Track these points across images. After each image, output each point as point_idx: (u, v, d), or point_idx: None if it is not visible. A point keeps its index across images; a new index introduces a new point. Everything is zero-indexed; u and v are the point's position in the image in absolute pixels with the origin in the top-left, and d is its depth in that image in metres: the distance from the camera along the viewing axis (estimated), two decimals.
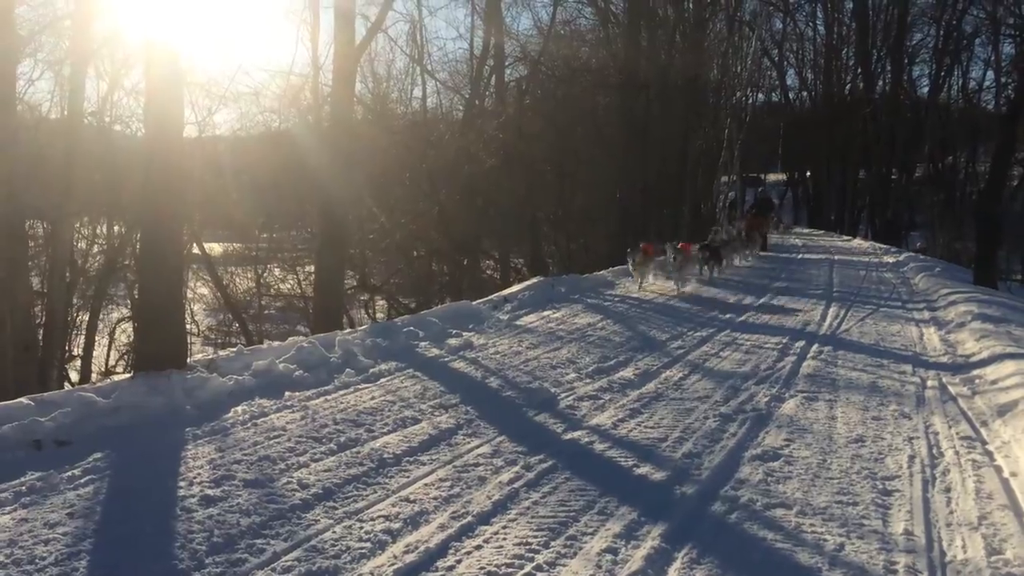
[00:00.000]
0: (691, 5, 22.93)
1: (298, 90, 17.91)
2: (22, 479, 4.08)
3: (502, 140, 17.61)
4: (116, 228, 15.95)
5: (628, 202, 19.22)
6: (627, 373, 6.82)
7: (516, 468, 4.45)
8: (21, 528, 3.56)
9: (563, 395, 6.14)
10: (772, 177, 48.51)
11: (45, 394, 5.43)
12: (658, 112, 21.65)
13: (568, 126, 20.37)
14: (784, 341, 8.43)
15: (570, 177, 20.91)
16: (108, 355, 14.25)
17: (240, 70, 22.48)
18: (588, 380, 6.60)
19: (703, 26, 23.84)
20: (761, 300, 11.75)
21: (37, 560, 3.28)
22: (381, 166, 17.76)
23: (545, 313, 9.86)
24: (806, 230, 34.22)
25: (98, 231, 15.89)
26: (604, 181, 21.43)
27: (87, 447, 4.60)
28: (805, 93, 45.13)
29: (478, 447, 4.84)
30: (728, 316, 10.13)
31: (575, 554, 3.42)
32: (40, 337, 9.12)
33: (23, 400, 5.09)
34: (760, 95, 42.29)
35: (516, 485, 4.19)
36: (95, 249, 15.48)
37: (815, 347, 8.17)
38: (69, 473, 4.20)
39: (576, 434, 5.16)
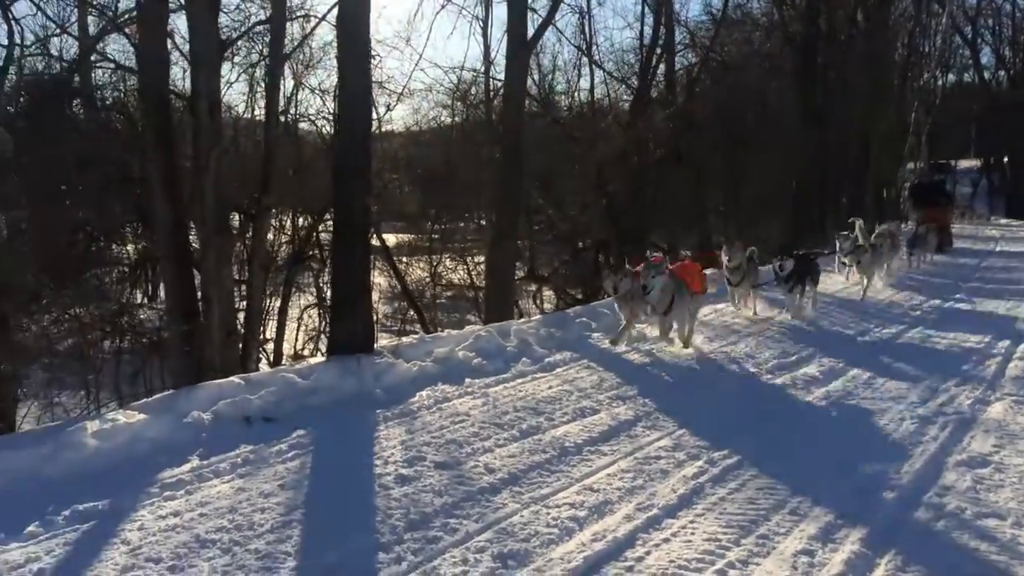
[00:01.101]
0: None
1: (470, 85, 18.37)
2: (237, 451, 4.46)
3: (671, 130, 17.33)
4: (301, 220, 16.94)
5: (804, 191, 18.47)
6: (811, 370, 6.54)
7: (699, 463, 4.39)
8: (239, 496, 3.89)
9: (743, 389, 6.00)
10: (964, 163, 45.04)
11: (253, 374, 5.90)
12: (837, 97, 20.62)
13: (739, 114, 19.77)
14: (986, 340, 7.77)
15: (741, 166, 20.29)
16: (296, 339, 15.16)
17: (417, 67, 23.23)
18: (769, 375, 6.41)
19: (887, 4, 22.47)
20: (957, 295, 10.89)
21: (256, 527, 3.57)
22: (548, 157, 17.92)
23: (719, 306, 9.63)
24: (1003, 220, 31.58)
25: (284, 223, 16.87)
26: (778, 170, 20.66)
27: (290, 424, 4.96)
28: (1003, 72, 41.61)
29: (658, 440, 4.81)
30: (918, 313, 9.52)
31: (768, 553, 3.35)
32: (240, 322, 9.88)
33: (234, 379, 5.54)
34: (951, 76, 39.33)
35: (701, 480, 4.15)
36: (282, 240, 16.45)
37: (1022, 347, 7.50)
38: (277, 448, 4.55)
39: (760, 429, 5.03)
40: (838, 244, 11.49)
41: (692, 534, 3.53)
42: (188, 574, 3.16)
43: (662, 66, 19.81)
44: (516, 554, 3.37)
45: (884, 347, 7.56)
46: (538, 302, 18.27)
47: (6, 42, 12.15)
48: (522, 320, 8.69)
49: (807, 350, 7.29)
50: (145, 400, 5.25)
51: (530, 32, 11.25)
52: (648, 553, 3.37)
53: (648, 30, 19.13)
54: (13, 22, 11.37)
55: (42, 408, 9.94)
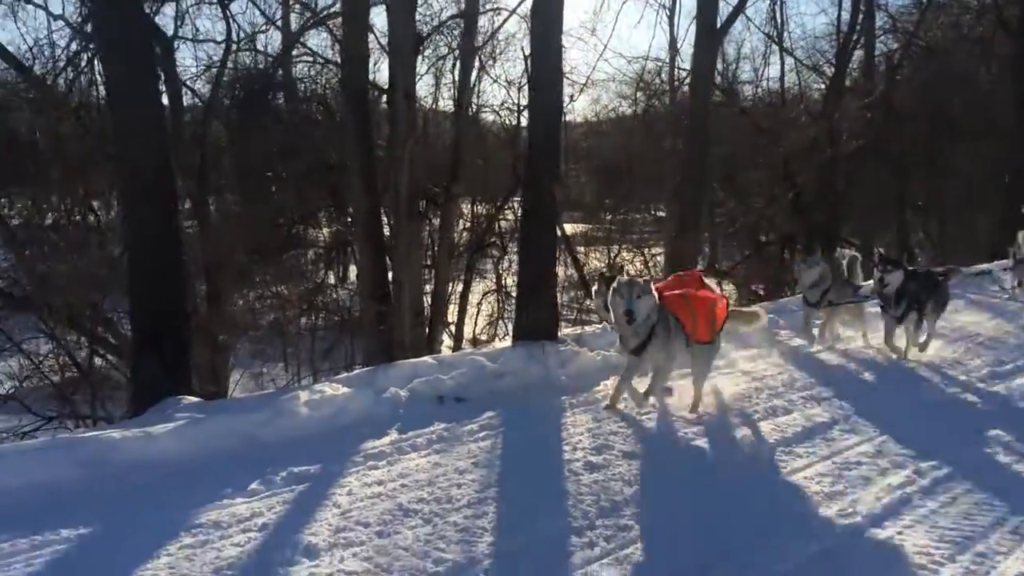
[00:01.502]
0: None
1: (654, 75, 18.14)
2: (431, 428, 4.65)
3: (868, 119, 16.36)
4: (480, 208, 17.36)
5: (1019, 184, 16.89)
6: None
7: (906, 472, 4.14)
8: (436, 471, 4.05)
9: (951, 398, 5.59)
10: None
11: (444, 355, 6.12)
12: None
13: (945, 101, 18.36)
14: None
15: (945, 157, 18.85)
16: (475, 324, 15.60)
17: (601, 57, 23.25)
18: (981, 384, 5.94)
19: None
20: None
21: (453, 500, 3.71)
22: (732, 148, 17.41)
23: None
24: None
25: (464, 211, 17.33)
26: (988, 161, 19.04)
27: (480, 405, 5.11)
28: None
29: (858, 445, 4.57)
30: None
31: (987, 573, 3.12)
32: (427, 305, 10.29)
33: (427, 359, 5.78)
34: None
35: (908, 490, 3.91)
36: (461, 226, 16.93)
37: None
38: (469, 427, 4.70)
39: (974, 442, 4.67)
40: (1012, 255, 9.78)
41: (900, 547, 3.34)
42: (394, 539, 3.32)
43: (858, 53, 18.77)
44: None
45: None
46: None
47: (222, 38, 13.13)
48: None
49: None
50: (347, 375, 5.57)
51: (720, 19, 10.90)
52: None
53: (845, 15, 18.17)
54: (230, 19, 12.31)
55: (248, 377, 10.79)
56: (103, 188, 11.20)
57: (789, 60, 19.62)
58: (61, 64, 11.50)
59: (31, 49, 11.47)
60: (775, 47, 19.52)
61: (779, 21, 18.74)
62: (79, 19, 11.71)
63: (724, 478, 4.07)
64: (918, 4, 19.55)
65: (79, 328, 8.34)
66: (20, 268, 9.52)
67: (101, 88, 11.03)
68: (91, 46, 10.29)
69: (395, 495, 3.74)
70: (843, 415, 5.11)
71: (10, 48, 10.83)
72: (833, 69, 18.20)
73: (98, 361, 8.41)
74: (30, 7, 11.95)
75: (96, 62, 10.49)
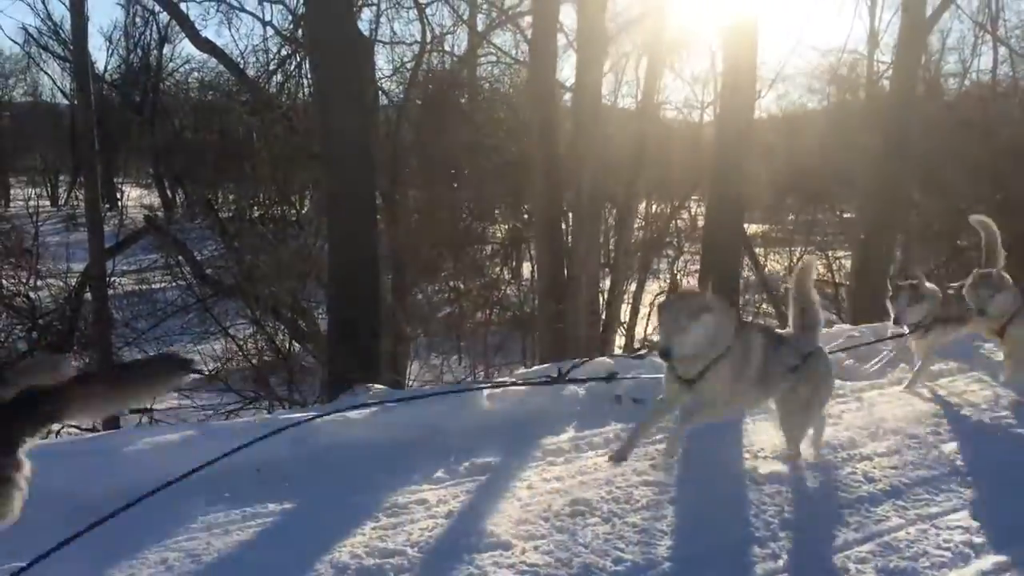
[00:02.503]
0: None
1: (851, 68, 17.29)
2: (608, 427, 4.69)
3: None
4: (654, 207, 17.20)
5: None
6: None
7: None
8: (614, 471, 4.07)
9: None
10: None
11: (621, 355, 6.14)
12: None
13: None
14: None
15: None
16: (647, 324, 15.48)
17: (793, 52, 22.37)
18: None
19: None
20: None
21: (632, 501, 3.73)
22: (934, 145, 16.29)
23: None
24: None
25: (640, 209, 17.22)
26: None
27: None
28: None
29: None
30: None
31: None
32: (602, 304, 10.35)
33: (606, 359, 5.82)
34: None
35: None
36: (636, 225, 16.83)
37: None
38: None
39: None
40: None
41: None
42: (574, 536, 3.39)
43: None
44: (902, 571, 3.17)
45: None
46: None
47: (414, 39, 13.74)
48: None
49: None
50: (526, 371, 5.72)
51: (928, 9, 10.25)
52: None
53: None
54: (426, 22, 12.86)
55: (425, 368, 11.25)
56: (304, 185, 12.02)
57: (1002, 51, 18.12)
58: (272, 68, 12.47)
59: (242, 54, 12.53)
60: (987, 36, 18.10)
61: (993, 8, 17.36)
62: (289, 26, 12.64)
63: (918, 496, 3.85)
64: None
65: (279, 316, 9.03)
66: (230, 258, 10.42)
67: (307, 91, 11.88)
68: (299, 51, 11.07)
69: (573, 492, 3.81)
70: None
71: (226, 53, 11.87)
72: None
73: (295, 347, 9.06)
74: (244, 15, 13.02)
75: (304, 66, 11.30)
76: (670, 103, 16.97)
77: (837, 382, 5.73)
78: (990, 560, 3.27)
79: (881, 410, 5.21)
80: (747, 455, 4.36)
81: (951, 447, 4.53)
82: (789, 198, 20.74)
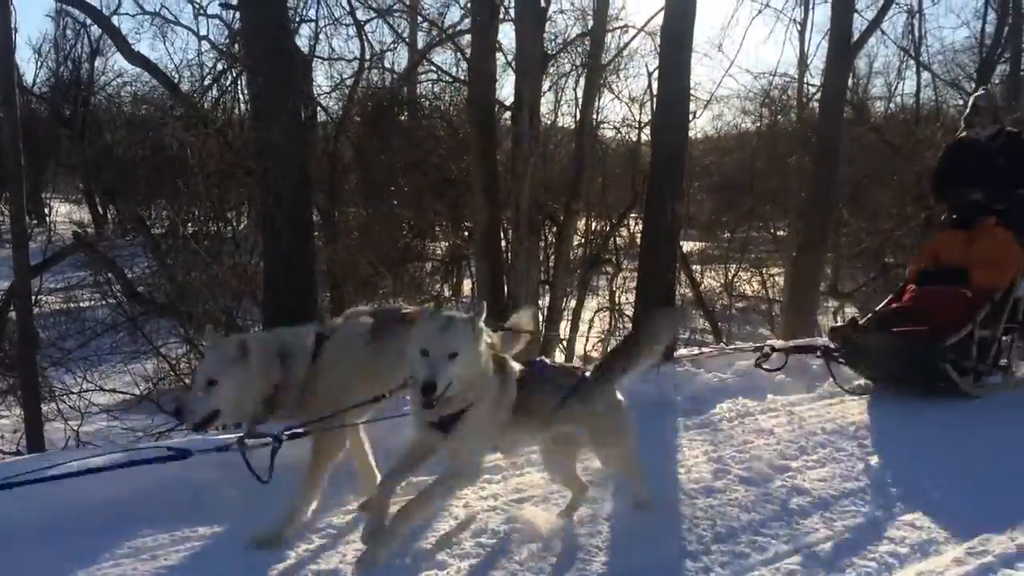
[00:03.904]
0: None
1: (781, 91, 17.75)
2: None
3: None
4: (595, 224, 17.34)
5: None
6: None
7: None
8: (552, 487, 4.08)
9: None
10: None
11: None
12: None
13: None
14: None
15: None
16: (587, 340, 15.57)
17: (727, 74, 22.91)
18: None
19: None
20: None
21: (568, 519, 3.75)
22: (861, 166, 16.82)
23: None
24: None
25: (579, 227, 17.35)
26: None
27: None
28: None
29: (999, 477, 4.37)
30: None
31: None
32: (542, 321, 10.37)
33: None
34: None
35: None
36: (576, 242, 16.96)
37: None
38: None
39: None
40: None
41: None
42: (511, 555, 3.39)
43: (1001, 67, 17.85)
44: None
45: None
46: (838, 320, 17.20)
47: (353, 56, 13.69)
48: (826, 339, 8.25)
49: None
50: None
51: (854, 35, 10.61)
52: None
53: (989, 28, 17.33)
54: (364, 39, 12.82)
55: None
56: (239, 201, 11.84)
57: (926, 75, 18.86)
58: (207, 83, 12.28)
59: (178, 69, 12.31)
60: (911, 61, 18.81)
61: (916, 35, 18.05)
62: (226, 40, 12.48)
63: (845, 507, 3.96)
64: None
65: None
66: (163, 275, 10.18)
67: (244, 106, 11.73)
68: (235, 66, 10.94)
69: (510, 509, 3.82)
70: (984, 448, 4.89)
71: (160, 67, 11.66)
72: (974, 84, 17.36)
73: None
74: (179, 28, 12.83)
75: (240, 81, 11.16)
76: (608, 122, 17.17)
77: (769, 396, 5.92)
78: (913, 570, 3.37)
79: (811, 424, 5.34)
80: (681, 468, 4.42)
81: (877, 459, 4.67)
82: (725, 216, 21.12)
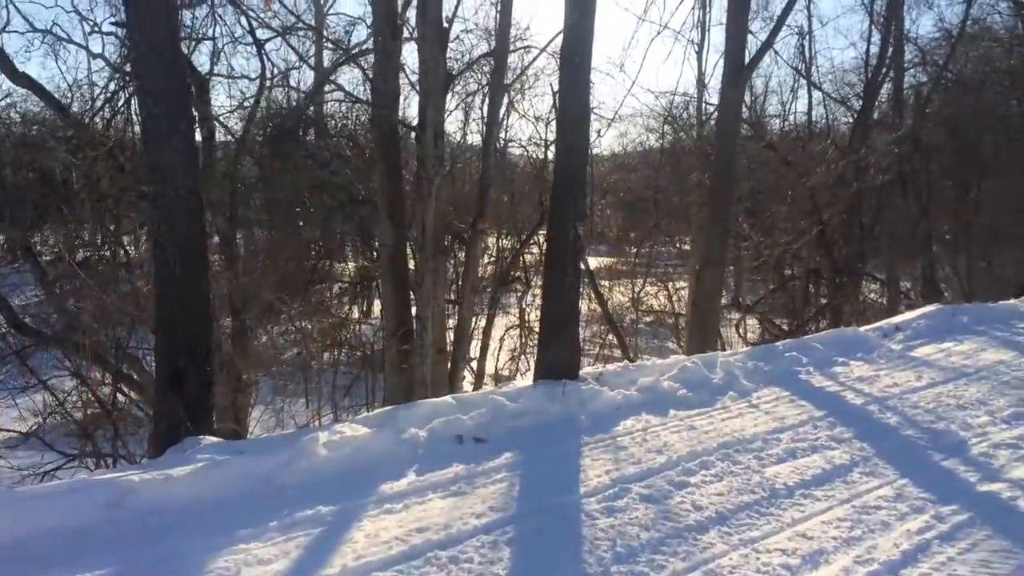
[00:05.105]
0: None
1: (681, 109, 18.28)
2: (450, 469, 4.67)
3: (896, 154, 16.31)
4: (505, 242, 17.44)
5: None
6: None
7: (925, 517, 4.10)
8: (454, 514, 4.06)
9: (974, 440, 5.52)
10: None
11: (464, 394, 6.15)
12: None
13: (974, 137, 18.28)
14: None
15: (973, 193, 18.75)
16: (498, 359, 15.62)
17: (629, 93, 23.43)
18: (1004, 426, 5.85)
19: None
20: None
21: (468, 546, 3.72)
22: (758, 182, 17.43)
23: (945, 345, 8.92)
24: None
25: (489, 245, 17.44)
26: (1016, 197, 18.88)
27: (499, 446, 5.12)
28: None
29: (878, 488, 4.54)
30: None
31: None
32: (450, 341, 10.35)
33: (448, 399, 5.81)
34: None
35: (927, 536, 3.88)
36: (487, 261, 17.03)
37: None
38: (487, 469, 4.71)
39: (995, 486, 4.61)
40: None
41: None
42: None
43: (887, 86, 18.79)
44: None
45: None
46: (741, 332, 17.72)
47: (255, 75, 13.39)
48: (728, 352, 8.48)
49: None
50: (367, 415, 5.62)
51: (748, 55, 10.97)
52: None
53: (874, 48, 18.24)
54: (265, 58, 12.56)
55: (269, 414, 10.84)
56: (133, 226, 11.44)
57: (817, 94, 19.73)
58: (99, 103, 11.82)
59: (70, 88, 11.83)
60: (803, 81, 19.63)
61: (807, 55, 18.90)
62: (119, 59, 12.04)
63: (741, 521, 4.04)
64: (948, 37, 19.56)
65: (104, 365, 8.48)
66: (50, 304, 9.72)
67: (138, 127, 11.33)
68: (129, 85, 10.57)
69: (412, 538, 3.76)
70: (863, 457, 5.08)
71: (50, 87, 11.19)
72: (861, 103, 18.23)
73: (121, 398, 8.51)
74: (71, 46, 12.32)
75: (134, 101, 10.77)
76: (516, 140, 17.36)
77: (671, 411, 6.02)
78: None
79: (710, 437, 5.45)
80: (584, 489, 4.44)
81: (772, 471, 4.79)
82: (633, 232, 21.54)
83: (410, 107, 15.44)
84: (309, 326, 11.41)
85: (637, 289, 17.82)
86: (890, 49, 17.72)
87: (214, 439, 4.94)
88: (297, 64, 16.58)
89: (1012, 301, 12.49)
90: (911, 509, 4.23)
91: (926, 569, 3.56)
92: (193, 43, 12.28)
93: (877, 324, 10.24)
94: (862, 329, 9.62)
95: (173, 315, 5.54)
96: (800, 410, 6.20)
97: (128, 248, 12.81)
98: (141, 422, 8.35)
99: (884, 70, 17.98)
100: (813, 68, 19.34)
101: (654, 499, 4.29)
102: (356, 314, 16.76)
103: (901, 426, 5.89)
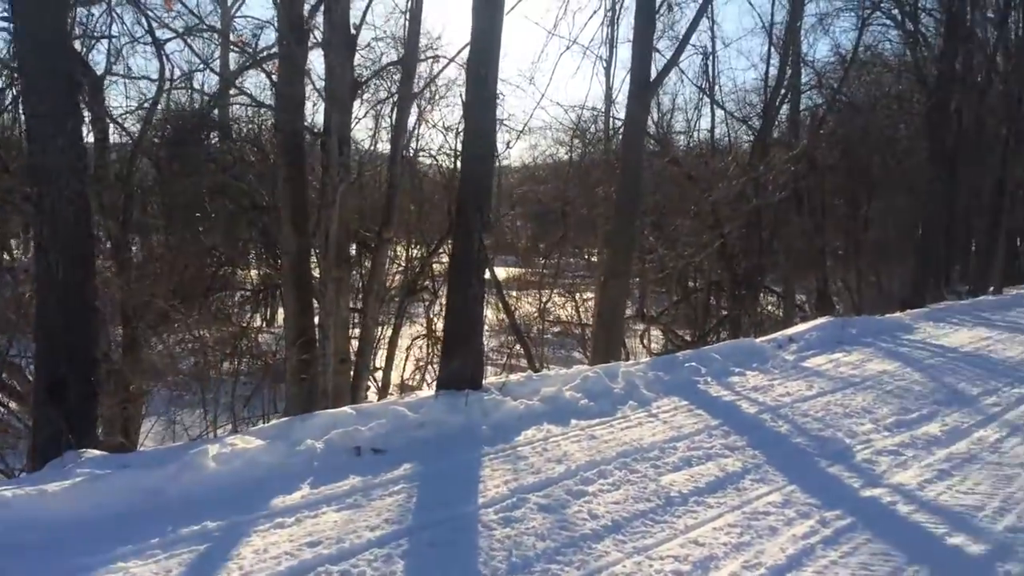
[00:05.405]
0: (1019, 24, 20.66)
1: (590, 123, 18.55)
2: (346, 481, 4.59)
3: (793, 172, 16.95)
4: (415, 251, 17.32)
5: (929, 238, 17.68)
6: (932, 429, 6.24)
7: (810, 522, 4.24)
8: (348, 527, 3.99)
9: (859, 447, 5.75)
10: None
11: (364, 405, 6.06)
12: (970, 140, 19.73)
13: (865, 157, 19.20)
14: None
15: (863, 211, 19.66)
16: (404, 369, 15.46)
17: (538, 105, 23.69)
18: (887, 433, 6.13)
19: None
20: None
21: (362, 559, 3.65)
22: (663, 197, 17.82)
23: (835, 356, 9.30)
24: None
25: (399, 254, 17.31)
26: (902, 215, 19.90)
27: (398, 457, 5.06)
28: None
29: (768, 495, 4.67)
30: None
31: None
32: (353, 351, 10.18)
33: (347, 409, 5.71)
34: None
35: (812, 540, 4.00)
36: (396, 270, 16.88)
37: None
38: (385, 480, 4.65)
39: (876, 491, 4.81)
40: None
41: None
42: None
43: (785, 107, 19.51)
44: None
45: (1014, 408, 7.11)
46: (646, 342, 18.06)
47: (156, 76, 12.94)
48: (630, 362, 8.62)
49: (929, 407, 6.94)
50: (261, 426, 5.48)
51: (653, 73, 11.22)
52: None
53: (773, 70, 18.92)
54: (165, 59, 12.14)
55: (163, 425, 10.44)
56: (19, 229, 10.89)
57: (720, 112, 20.34)
58: None
59: None
60: (707, 99, 20.21)
61: (711, 75, 19.45)
62: (6, 54, 11.45)
63: (636, 529, 4.09)
64: (842, 61, 20.47)
65: None
66: None
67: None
68: (17, 83, 10.06)
69: (301, 554, 3.66)
70: (755, 464, 5.23)
71: None
72: (761, 122, 18.87)
73: (1, 410, 8.06)
74: None
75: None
76: (426, 150, 17.26)
77: (572, 421, 6.06)
78: None
79: (609, 447, 5.51)
80: (482, 500, 4.42)
81: (668, 479, 4.88)
82: (542, 243, 21.69)
83: (318, 113, 15.18)
84: (207, 335, 11.06)
85: (545, 300, 17.94)
86: (788, 71, 18.42)
87: (98, 452, 4.71)
88: (201, 67, 16.10)
89: (897, 314, 13.13)
90: (798, 514, 4.36)
91: (810, 573, 3.68)
92: (91, 41, 11.78)
93: (773, 335, 10.60)
94: (758, 340, 9.94)
95: (55, 322, 5.28)
96: (697, 419, 6.34)
97: (16, 252, 12.19)
98: (21, 434, 7.93)
99: (782, 91, 18.68)
100: (716, 87, 19.97)
101: (551, 509, 4.31)
102: (259, 322, 16.33)
103: (791, 434, 6.09)
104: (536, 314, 17.82)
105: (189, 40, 12.30)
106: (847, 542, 4.02)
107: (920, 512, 4.48)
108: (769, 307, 19.85)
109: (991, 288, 18.75)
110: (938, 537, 4.13)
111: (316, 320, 9.02)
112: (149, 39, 11.08)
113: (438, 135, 17.14)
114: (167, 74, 12.40)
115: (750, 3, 27.97)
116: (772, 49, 19.02)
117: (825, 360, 9.05)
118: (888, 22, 21.28)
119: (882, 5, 20.11)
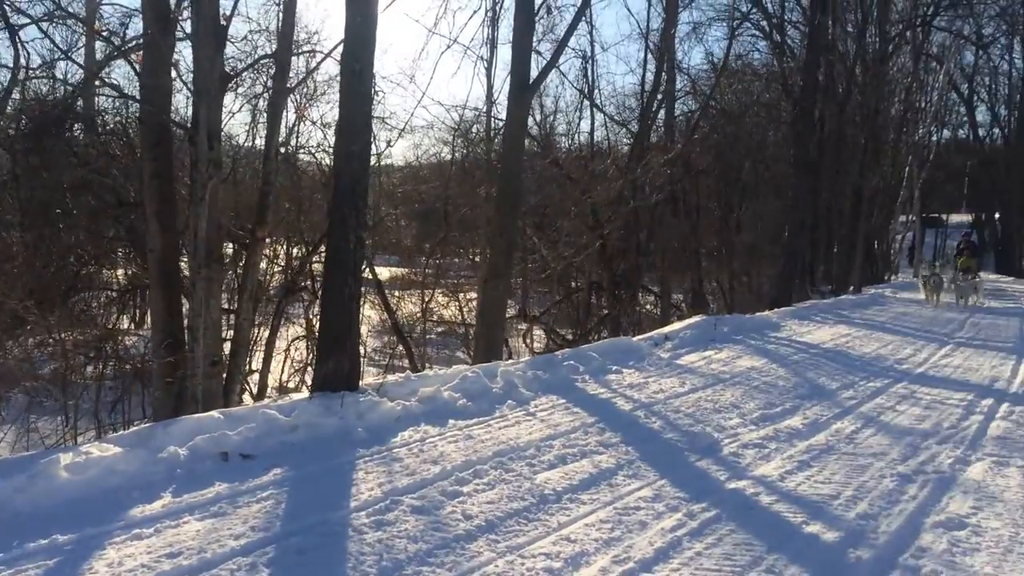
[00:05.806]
0: (876, 38, 21.97)
1: (471, 123, 18.55)
2: (211, 488, 4.41)
3: (669, 175, 17.47)
4: (295, 250, 16.91)
5: (795, 240, 18.58)
6: (794, 422, 6.55)
7: (678, 515, 4.35)
8: (210, 536, 3.82)
9: (726, 441, 5.96)
10: (956, 218, 45.44)
11: (233, 409, 5.84)
12: (832, 148, 20.87)
13: (736, 162, 20.02)
14: (969, 398, 7.82)
15: (735, 214, 20.48)
16: (283, 371, 15.05)
17: (419, 104, 23.52)
18: (753, 427, 6.38)
19: (886, 60, 22.76)
20: (943, 351, 10.97)
21: (224, 569, 3.50)
22: (545, 197, 18.04)
23: (707, 353, 9.64)
24: (992, 276, 31.63)
25: (279, 252, 16.86)
26: (771, 218, 20.84)
27: (268, 462, 4.90)
28: (997, 130, 42.20)
29: (639, 490, 4.77)
30: (905, 367, 9.52)
31: None
32: (226, 353, 9.82)
33: (214, 414, 5.48)
34: (946, 131, 39.80)
35: (679, 533, 4.10)
36: (274, 270, 16.44)
37: (1005, 406, 7.52)
38: (252, 486, 4.49)
39: (740, 483, 4.98)
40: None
41: None
42: None
43: (662, 112, 20.07)
44: None
45: (868, 401, 7.54)
46: (528, 342, 18.22)
47: (11, 64, 12.17)
48: (509, 361, 8.66)
49: (792, 402, 7.28)
50: (120, 433, 5.20)
51: (533, 74, 11.31)
52: None
53: (650, 76, 19.45)
54: (20, 46, 11.40)
55: (19, 433, 9.81)
56: None
57: (600, 115, 20.73)
58: None
59: None
60: (587, 102, 20.57)
61: (590, 78, 19.80)
62: None
63: (509, 528, 4.09)
64: (714, 69, 21.26)
65: None
66: None
67: None
68: None
69: (159, 566, 3.48)
70: (628, 460, 5.33)
71: None
72: (638, 126, 19.36)
73: None
74: None
75: None
76: (305, 147, 16.86)
77: (450, 421, 6.03)
78: None
79: (486, 446, 5.50)
80: (354, 503, 4.33)
81: (543, 477, 4.91)
82: (425, 243, 21.57)
83: (190, 107, 14.61)
84: (68, 337, 10.44)
85: (428, 299, 17.84)
86: (664, 77, 18.96)
87: None
88: (63, 56, 15.22)
89: (766, 312, 13.72)
90: (667, 508, 4.47)
91: (676, 564, 3.76)
92: None
93: (649, 334, 10.89)
94: (635, 339, 10.18)
95: None
96: (574, 417, 6.42)
97: None
98: None
99: (659, 96, 19.22)
100: (596, 91, 20.34)
101: (425, 510, 4.26)
102: (126, 324, 15.55)
103: (664, 430, 6.25)
104: (419, 314, 17.71)
105: (52, 27, 11.63)
106: (712, 533, 4.14)
107: (781, 502, 4.67)
108: (647, 306, 20.38)
109: (851, 287, 19.91)
110: (796, 526, 4.31)
111: (186, 321, 8.66)
112: (2, 24, 10.39)
113: (318, 132, 16.68)
114: (23, 62, 11.68)
115: (628, 9, 28.77)
116: (649, 55, 19.59)
117: (698, 357, 9.36)
118: (757, 32, 22.26)
119: (751, 16, 21.01)
